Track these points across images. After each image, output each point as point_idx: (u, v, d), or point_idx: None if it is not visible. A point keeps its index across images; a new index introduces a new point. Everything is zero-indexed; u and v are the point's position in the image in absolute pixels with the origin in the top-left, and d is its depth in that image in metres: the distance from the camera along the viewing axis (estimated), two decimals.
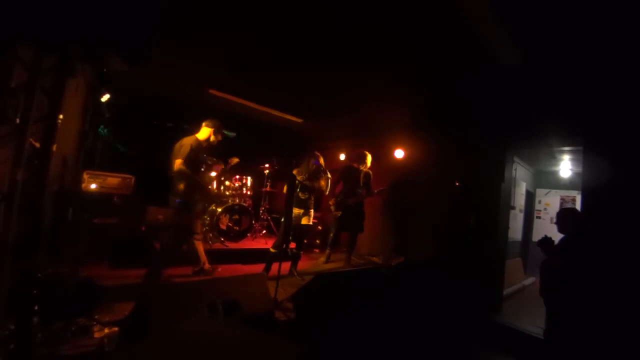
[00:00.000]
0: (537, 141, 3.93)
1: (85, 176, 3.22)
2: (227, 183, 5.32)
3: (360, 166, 4.83)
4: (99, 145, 3.12)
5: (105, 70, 2.34)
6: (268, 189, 6.04)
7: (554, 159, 5.53)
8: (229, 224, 5.07)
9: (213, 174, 5.24)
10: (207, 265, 3.75)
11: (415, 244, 5.25)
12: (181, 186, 3.32)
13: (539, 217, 6.68)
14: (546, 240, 2.94)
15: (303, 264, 4.58)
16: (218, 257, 4.49)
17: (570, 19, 2.50)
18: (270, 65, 3.91)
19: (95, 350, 1.99)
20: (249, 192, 5.62)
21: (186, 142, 3.35)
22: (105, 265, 3.54)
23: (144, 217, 4.43)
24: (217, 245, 4.73)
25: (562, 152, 4.92)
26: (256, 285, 2.58)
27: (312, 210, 4.16)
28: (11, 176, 1.64)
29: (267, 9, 2.76)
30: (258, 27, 3.08)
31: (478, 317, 3.48)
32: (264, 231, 5.96)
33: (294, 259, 4.20)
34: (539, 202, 6.78)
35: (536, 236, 6.51)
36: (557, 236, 3.00)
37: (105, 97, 2.94)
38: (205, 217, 4.98)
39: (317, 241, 6.26)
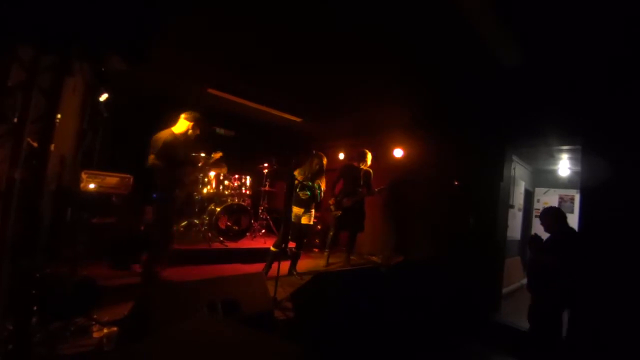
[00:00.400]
0: (536, 140, 3.93)
1: (83, 176, 3.21)
2: (226, 182, 5.31)
3: (361, 165, 4.83)
4: (97, 145, 3.11)
5: (103, 69, 2.33)
6: (267, 188, 6.03)
7: (552, 158, 5.54)
8: (228, 223, 5.06)
9: (212, 173, 5.26)
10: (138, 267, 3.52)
11: (415, 243, 5.25)
12: (157, 181, 3.26)
13: (537, 216, 6.68)
14: (536, 238, 3.10)
15: (302, 264, 4.58)
16: (217, 256, 4.50)
17: (570, 18, 2.50)
18: (270, 65, 3.90)
19: (94, 350, 1.99)
20: (248, 192, 5.62)
21: (160, 137, 3.23)
22: (104, 264, 3.53)
23: (142, 216, 4.42)
24: (216, 245, 4.73)
25: (561, 151, 4.93)
26: (255, 285, 2.57)
27: (312, 210, 4.16)
28: (9, 176, 1.64)
29: (267, 9, 2.75)
30: (258, 27, 3.08)
31: (477, 316, 3.49)
32: (263, 230, 5.95)
33: (294, 258, 4.20)
34: (538, 201, 6.79)
35: None
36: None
37: (103, 97, 2.93)
38: (205, 216, 4.98)
39: (317, 241, 6.26)
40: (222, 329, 1.47)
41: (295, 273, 4.12)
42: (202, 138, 3.59)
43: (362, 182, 4.79)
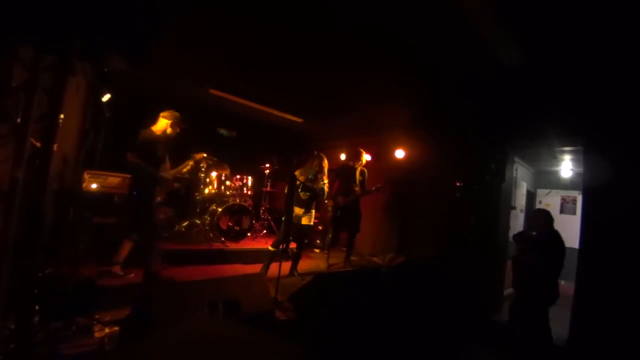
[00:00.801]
0: (537, 141, 3.93)
1: (85, 176, 3.23)
2: (228, 183, 5.32)
3: (356, 164, 4.82)
4: (100, 145, 3.12)
5: (105, 69, 2.33)
6: (268, 188, 6.04)
7: (554, 159, 5.52)
8: (229, 223, 5.07)
9: (214, 173, 5.27)
10: (117, 268, 3.40)
11: (416, 244, 5.25)
12: (136, 179, 3.28)
13: None
14: (522, 234, 3.30)
15: (303, 264, 4.57)
16: (219, 256, 4.51)
17: (571, 18, 2.50)
18: (271, 65, 3.91)
19: (96, 349, 1.99)
20: (249, 192, 5.62)
21: (139, 135, 3.27)
22: (105, 264, 3.53)
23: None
24: (218, 245, 4.73)
25: (563, 152, 4.90)
26: (256, 285, 2.58)
27: (313, 211, 4.16)
28: (12, 175, 1.64)
29: (267, 9, 2.76)
30: (258, 27, 3.08)
31: (478, 317, 3.48)
32: (264, 231, 5.96)
33: (294, 258, 4.20)
34: (540, 202, 6.76)
35: None
36: None
37: (106, 97, 2.94)
38: (206, 216, 4.98)
39: (318, 241, 6.26)
40: (223, 329, 1.48)
41: (296, 273, 4.12)
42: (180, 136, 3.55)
43: (357, 182, 4.77)
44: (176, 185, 3.63)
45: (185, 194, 5.48)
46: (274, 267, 3.72)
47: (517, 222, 5.83)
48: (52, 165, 1.85)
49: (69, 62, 1.80)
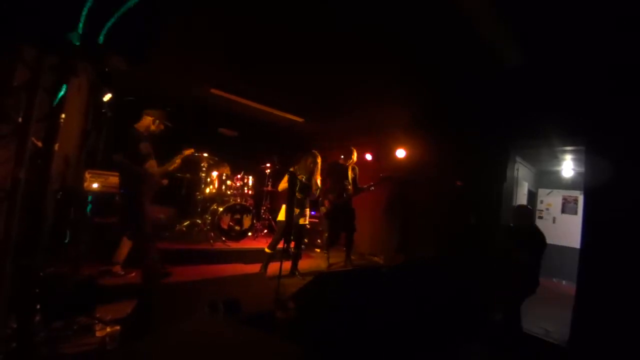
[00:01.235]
0: (539, 141, 3.92)
1: (87, 175, 3.23)
2: (228, 182, 5.32)
3: (347, 162, 4.77)
4: (101, 145, 3.13)
5: (107, 69, 2.34)
6: (269, 188, 6.04)
7: (556, 158, 5.51)
8: (230, 223, 5.07)
9: (215, 173, 5.27)
10: (118, 268, 3.39)
11: (416, 243, 5.24)
12: (122, 177, 3.25)
13: (541, 217, 6.65)
14: (507, 228, 3.48)
15: (304, 264, 4.58)
16: (219, 256, 4.51)
17: (572, 17, 2.49)
18: (271, 65, 3.91)
19: (97, 349, 2.00)
20: (250, 192, 5.63)
21: (124, 134, 3.26)
22: (106, 264, 3.54)
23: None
24: (219, 245, 4.74)
25: (564, 152, 4.90)
26: (257, 285, 2.58)
27: (307, 210, 4.14)
28: (13, 175, 1.65)
29: (267, 9, 2.76)
30: (258, 27, 3.08)
31: (478, 317, 3.47)
32: (265, 231, 5.96)
33: (294, 258, 4.20)
34: (541, 202, 6.76)
35: None
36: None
37: (107, 97, 2.94)
38: (207, 216, 4.99)
39: (319, 240, 6.26)
40: (223, 328, 1.48)
41: (297, 273, 4.11)
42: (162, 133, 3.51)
43: (349, 180, 4.73)
44: (165, 182, 3.59)
45: (186, 194, 5.48)
46: (274, 267, 3.72)
47: None
48: (53, 165, 1.86)
49: (71, 62, 1.81)
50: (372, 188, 4.76)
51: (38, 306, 1.92)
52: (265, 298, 2.56)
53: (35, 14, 1.48)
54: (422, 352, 2.65)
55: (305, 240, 6.14)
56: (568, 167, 5.86)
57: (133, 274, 3.37)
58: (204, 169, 5.21)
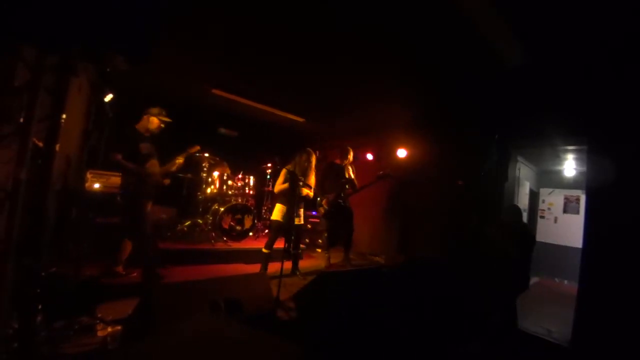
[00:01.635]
0: (541, 140, 3.91)
1: (88, 175, 3.24)
2: (229, 182, 5.33)
3: (344, 162, 4.74)
4: (102, 145, 3.13)
5: (108, 69, 2.34)
6: (270, 188, 6.04)
7: (558, 158, 5.49)
8: (232, 223, 5.07)
9: (216, 173, 5.28)
10: (120, 268, 3.38)
11: (417, 243, 5.24)
12: (122, 178, 3.26)
13: (542, 217, 6.63)
14: (502, 226, 3.52)
15: (306, 264, 4.58)
16: (221, 256, 4.52)
17: (573, 17, 2.48)
18: (272, 65, 3.91)
19: (99, 348, 2.00)
20: (251, 192, 5.63)
21: (124, 134, 3.26)
22: (108, 264, 3.55)
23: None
24: (220, 245, 4.74)
25: (566, 151, 4.89)
26: (258, 285, 2.58)
27: (302, 210, 4.11)
28: (15, 175, 1.65)
29: (267, 9, 2.76)
30: (259, 27, 3.08)
31: (479, 317, 3.47)
32: (266, 230, 5.96)
33: (295, 258, 4.19)
34: (543, 201, 6.73)
35: (540, 236, 6.48)
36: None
37: (108, 97, 2.95)
38: (208, 216, 5.00)
39: (320, 240, 6.26)
40: (224, 328, 1.48)
41: (298, 273, 4.11)
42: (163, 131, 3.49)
43: (345, 179, 4.71)
44: (166, 182, 3.56)
45: (187, 194, 5.49)
46: (275, 267, 3.72)
47: None
48: (55, 165, 1.86)
49: (72, 62, 1.81)
50: (363, 187, 4.72)
51: (39, 306, 1.92)
52: (266, 298, 2.56)
53: (35, 14, 1.48)
54: (422, 352, 2.65)
55: (307, 240, 6.16)
56: (570, 166, 5.83)
57: (134, 274, 3.38)
58: (205, 169, 5.22)
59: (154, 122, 3.34)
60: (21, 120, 1.68)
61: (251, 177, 5.65)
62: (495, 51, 3.04)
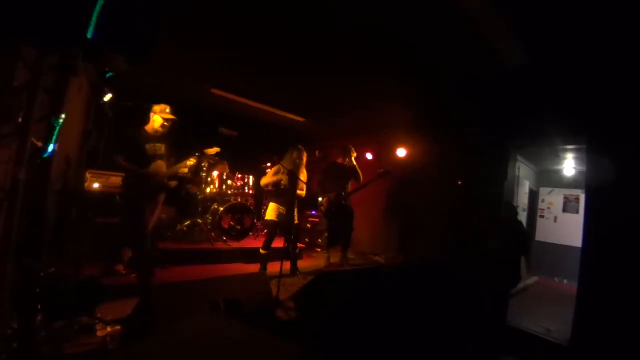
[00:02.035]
0: (540, 140, 3.91)
1: (88, 175, 3.23)
2: (229, 182, 5.33)
3: (345, 161, 4.72)
4: (102, 145, 3.13)
5: (107, 69, 2.34)
6: (270, 188, 6.03)
7: (557, 157, 5.50)
8: (231, 223, 5.08)
9: (215, 173, 5.28)
10: (121, 267, 3.35)
11: (417, 243, 5.24)
12: (125, 179, 3.21)
13: (542, 217, 6.64)
14: (500, 225, 3.61)
15: (306, 263, 4.57)
16: (220, 256, 4.52)
17: (573, 17, 2.48)
18: (272, 64, 3.91)
19: (99, 348, 2.00)
20: (251, 191, 5.63)
21: (128, 135, 3.19)
22: (107, 263, 3.55)
23: (144, 216, 4.43)
24: (220, 244, 4.74)
25: (566, 150, 4.89)
26: (258, 285, 2.58)
27: (296, 209, 4.08)
28: (14, 175, 1.65)
29: (268, 9, 2.76)
30: (259, 27, 3.08)
31: (479, 317, 3.47)
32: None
33: (294, 258, 4.19)
34: (543, 201, 6.74)
35: (539, 236, 6.49)
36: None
37: (108, 97, 2.94)
38: (208, 216, 5.00)
39: (320, 240, 6.26)
40: (224, 328, 1.48)
41: (298, 272, 4.11)
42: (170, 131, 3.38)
43: (348, 179, 4.69)
44: (173, 184, 3.44)
45: (187, 194, 5.49)
46: (275, 267, 3.72)
47: None
48: (54, 166, 1.86)
49: (72, 63, 1.81)
50: (372, 183, 4.70)
51: (39, 306, 1.92)
52: (266, 297, 2.56)
53: (35, 14, 1.48)
54: (423, 352, 2.65)
55: (307, 240, 6.15)
56: (570, 166, 5.84)
57: (134, 275, 3.38)
58: (204, 168, 5.22)
59: (157, 120, 3.26)
60: (20, 120, 1.68)
61: (251, 177, 5.65)
62: (495, 51, 3.04)
